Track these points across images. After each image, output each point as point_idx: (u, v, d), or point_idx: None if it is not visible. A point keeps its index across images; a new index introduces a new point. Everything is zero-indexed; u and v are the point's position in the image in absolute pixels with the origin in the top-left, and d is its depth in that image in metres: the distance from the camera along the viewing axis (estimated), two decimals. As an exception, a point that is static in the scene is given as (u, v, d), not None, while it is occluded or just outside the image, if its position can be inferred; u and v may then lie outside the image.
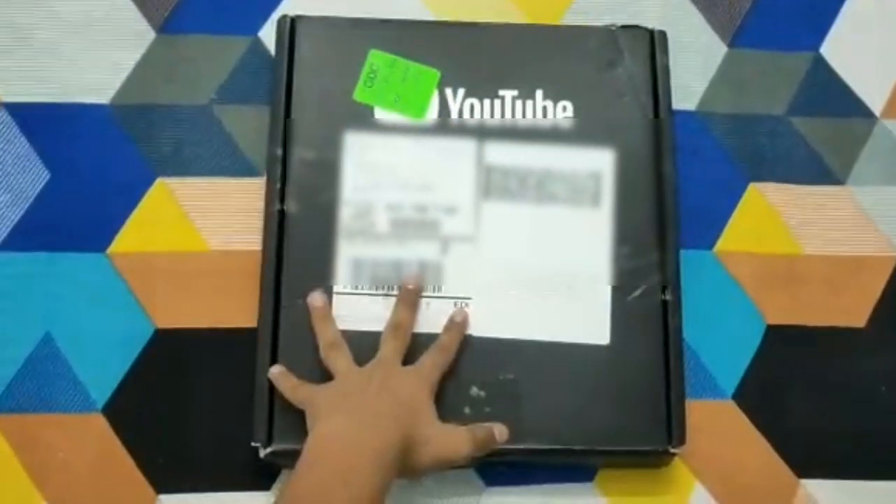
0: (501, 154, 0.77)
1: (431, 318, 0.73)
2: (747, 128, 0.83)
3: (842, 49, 0.86)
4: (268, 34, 0.82)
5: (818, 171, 0.82)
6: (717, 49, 0.85)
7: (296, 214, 0.74)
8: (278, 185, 0.75)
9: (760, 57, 0.85)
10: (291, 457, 0.65)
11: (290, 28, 0.79)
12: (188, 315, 0.75)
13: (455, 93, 0.78)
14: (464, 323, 0.73)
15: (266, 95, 0.79)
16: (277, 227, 0.74)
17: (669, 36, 0.80)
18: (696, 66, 0.84)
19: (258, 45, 0.82)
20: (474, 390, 0.72)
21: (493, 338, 0.73)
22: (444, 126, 0.77)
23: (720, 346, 0.77)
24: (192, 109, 0.80)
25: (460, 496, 0.73)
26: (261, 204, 0.75)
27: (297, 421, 0.68)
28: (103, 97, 0.80)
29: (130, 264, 0.76)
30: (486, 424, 0.69)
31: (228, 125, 0.80)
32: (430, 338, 0.72)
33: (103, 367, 0.74)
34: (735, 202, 0.81)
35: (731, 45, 0.85)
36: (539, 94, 0.78)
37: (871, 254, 0.81)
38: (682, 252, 0.76)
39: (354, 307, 0.73)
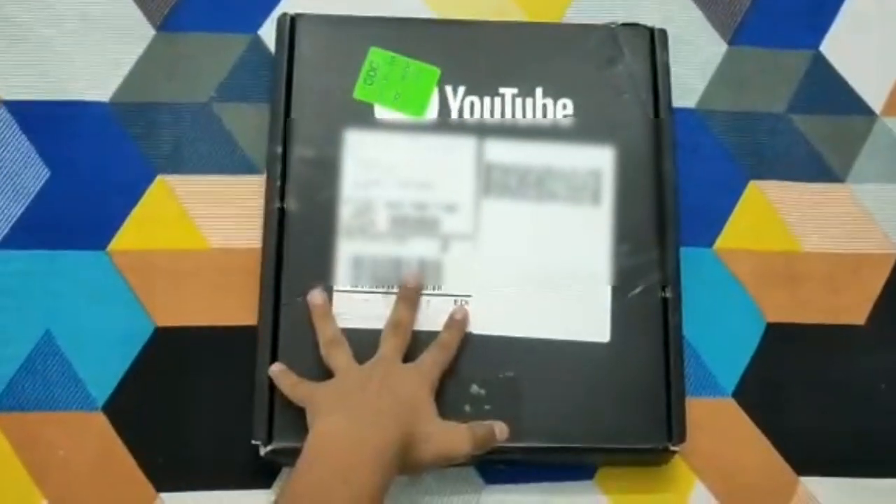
0: (501, 152, 0.77)
1: (431, 316, 0.73)
2: (747, 125, 0.83)
3: (842, 47, 0.85)
4: (268, 32, 0.82)
5: (818, 168, 0.83)
6: (717, 47, 0.85)
7: (296, 212, 0.74)
8: (278, 183, 0.75)
9: (760, 55, 0.85)
10: (292, 455, 0.65)
11: (290, 26, 0.79)
12: (188, 313, 0.76)
13: (455, 91, 0.78)
14: (464, 321, 0.73)
15: (266, 93, 0.79)
16: (277, 224, 0.74)
17: (669, 34, 0.80)
18: (696, 64, 0.84)
19: (258, 42, 0.82)
20: (474, 388, 0.72)
21: (494, 335, 0.73)
22: (444, 124, 0.77)
23: (720, 343, 0.77)
24: (192, 107, 0.80)
25: (460, 494, 0.73)
26: (261, 202, 0.75)
27: (298, 419, 0.68)
28: (103, 95, 0.80)
29: (130, 262, 0.76)
30: (487, 422, 0.69)
31: (228, 123, 0.80)
32: (431, 336, 0.72)
33: (103, 365, 0.74)
34: (735, 200, 0.81)
35: (731, 42, 0.85)
36: (539, 91, 0.78)
37: (871, 251, 0.81)
38: (682, 250, 0.76)
39: (354, 305, 0.73)
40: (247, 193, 0.78)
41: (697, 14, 0.86)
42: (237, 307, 0.75)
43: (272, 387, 0.71)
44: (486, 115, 0.77)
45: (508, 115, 0.78)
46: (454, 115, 0.77)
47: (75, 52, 0.81)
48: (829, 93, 0.85)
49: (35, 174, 0.78)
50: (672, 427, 0.72)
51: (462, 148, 0.77)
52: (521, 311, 0.74)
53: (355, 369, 0.69)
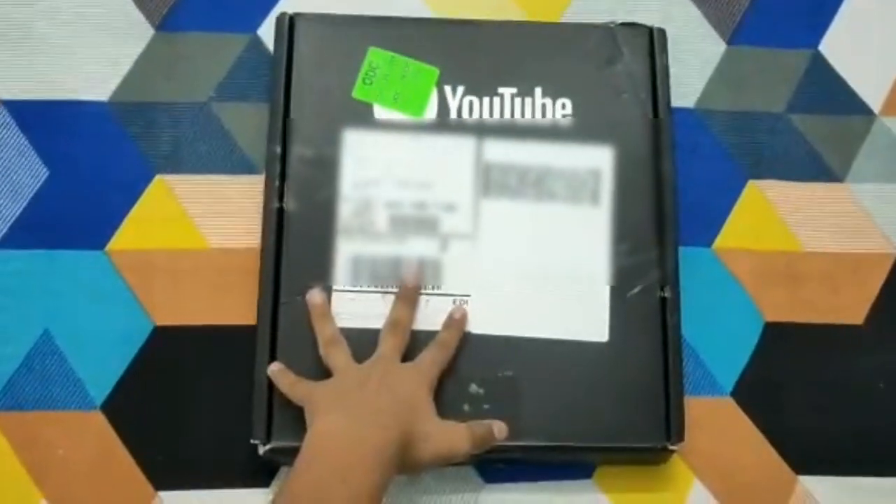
0: (500, 151, 0.77)
1: (430, 315, 0.73)
2: (746, 125, 0.83)
3: (841, 46, 0.86)
4: (267, 32, 0.82)
5: (817, 168, 0.83)
6: (716, 46, 0.85)
7: (295, 212, 0.74)
8: (277, 183, 0.75)
9: (759, 54, 0.85)
10: (290, 454, 0.65)
11: (289, 26, 0.79)
12: (187, 312, 0.76)
13: (454, 90, 0.78)
14: (463, 320, 0.73)
15: (265, 93, 0.79)
16: (276, 224, 0.74)
17: (668, 33, 0.80)
18: (695, 64, 0.84)
19: (257, 42, 0.82)
20: (473, 387, 0.72)
21: (493, 335, 0.73)
22: (444, 124, 0.77)
23: (719, 343, 0.77)
24: (190, 107, 0.80)
25: (459, 493, 0.73)
26: (260, 201, 0.75)
27: (296, 418, 0.68)
28: (102, 94, 0.80)
29: (129, 261, 0.76)
30: (486, 422, 0.69)
31: (227, 123, 0.80)
32: (430, 335, 0.72)
33: (102, 364, 0.74)
34: (734, 199, 0.81)
35: (729, 42, 0.85)
36: (538, 91, 0.78)
37: (870, 251, 0.81)
38: (681, 249, 0.76)
39: (353, 304, 0.73)
40: (246, 193, 0.78)
41: (696, 13, 0.86)
42: (236, 307, 0.75)
43: (271, 386, 0.71)
44: (486, 114, 0.78)
45: (507, 114, 0.78)
46: (453, 114, 0.77)
47: (74, 51, 0.81)
48: (828, 92, 0.85)
49: (34, 173, 0.78)
50: (671, 426, 0.72)
51: (461, 147, 0.77)
52: (520, 311, 0.74)
53: (354, 368, 0.69)
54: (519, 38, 0.80)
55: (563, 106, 0.78)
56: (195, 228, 0.78)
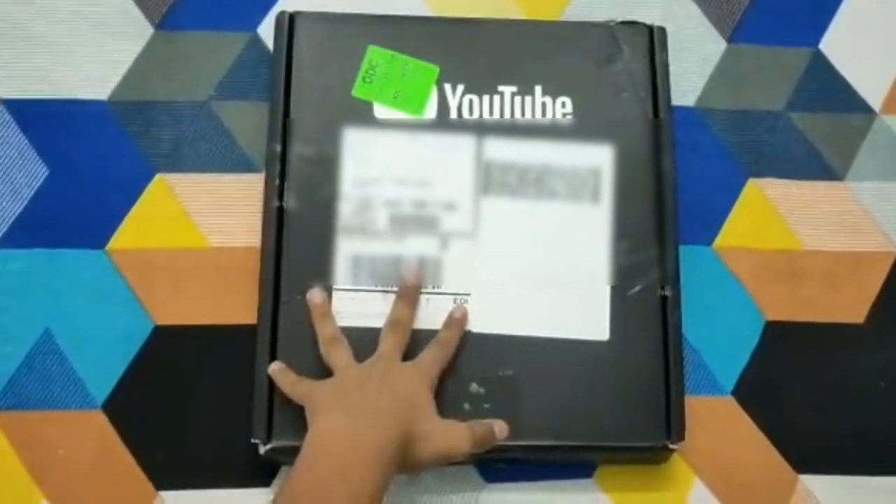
0: (501, 150, 0.77)
1: (431, 314, 0.73)
2: (746, 123, 0.83)
3: (841, 45, 0.85)
4: (266, 30, 0.82)
5: (817, 166, 0.83)
6: (716, 45, 0.85)
7: (295, 211, 0.74)
8: (277, 182, 0.75)
9: (759, 52, 0.85)
10: (291, 453, 0.65)
11: (289, 24, 0.78)
12: (187, 312, 0.76)
13: (454, 89, 0.78)
14: (463, 319, 0.73)
15: (265, 92, 0.79)
16: (277, 223, 0.74)
17: (668, 32, 0.80)
18: (695, 62, 0.84)
19: (257, 41, 0.82)
20: (474, 386, 0.72)
21: (493, 334, 0.73)
22: (444, 122, 0.77)
23: (719, 342, 0.77)
24: (190, 106, 0.80)
25: (460, 493, 0.73)
26: (260, 200, 0.75)
27: (297, 417, 0.68)
28: (102, 93, 0.80)
29: (129, 261, 0.76)
30: (486, 421, 0.69)
31: (227, 121, 0.80)
32: (430, 334, 0.72)
33: (103, 363, 0.74)
34: (734, 198, 0.81)
35: (730, 40, 0.85)
36: (538, 90, 0.78)
37: (870, 249, 0.81)
38: (682, 248, 0.76)
39: (354, 303, 0.73)
40: (246, 192, 0.78)
41: (696, 12, 0.86)
42: (236, 306, 0.75)
43: (272, 385, 0.71)
44: (486, 113, 0.77)
45: (507, 113, 0.78)
46: (453, 113, 0.77)
47: (74, 50, 0.81)
48: (828, 91, 0.85)
49: (34, 173, 0.78)
50: (671, 425, 0.72)
51: (461, 146, 0.77)
52: (521, 310, 0.74)
53: (355, 367, 0.69)
54: (519, 36, 0.80)
55: (563, 104, 0.78)
56: (195, 227, 0.78)
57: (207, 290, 0.76)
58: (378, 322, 0.72)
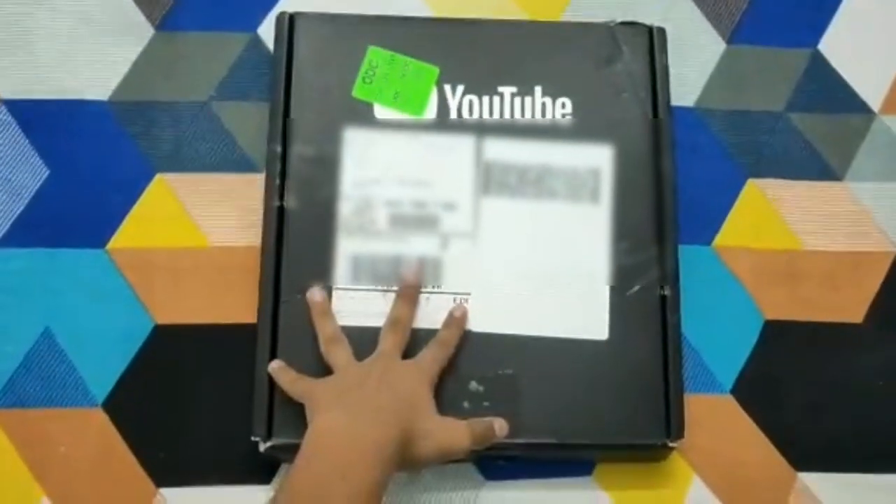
0: (500, 150, 0.77)
1: (431, 313, 0.73)
2: (746, 124, 0.83)
3: (840, 45, 0.86)
4: (267, 31, 0.82)
5: (816, 167, 0.83)
6: (715, 45, 0.85)
7: (295, 210, 0.75)
8: (278, 182, 0.75)
9: (759, 53, 0.85)
10: (291, 451, 0.65)
11: (289, 25, 0.79)
12: (188, 311, 0.76)
13: (454, 89, 0.78)
14: (463, 318, 0.73)
15: (265, 92, 0.79)
16: (277, 223, 0.74)
17: (668, 32, 0.80)
18: (694, 63, 0.84)
19: (257, 41, 0.82)
20: (473, 385, 0.72)
21: (492, 333, 0.73)
22: (443, 122, 0.77)
23: (718, 341, 0.77)
24: (191, 106, 0.81)
25: (459, 490, 0.73)
26: (260, 200, 0.75)
27: (297, 415, 0.68)
28: (102, 94, 0.80)
29: (130, 260, 0.77)
30: (486, 419, 0.69)
31: (227, 122, 0.80)
32: (430, 333, 0.72)
33: (103, 362, 0.74)
34: (733, 198, 0.81)
35: (729, 41, 0.85)
36: (538, 90, 0.78)
37: (869, 249, 0.81)
38: (681, 248, 0.76)
39: (354, 303, 0.73)
40: (246, 192, 0.78)
41: (696, 13, 0.86)
42: (236, 305, 0.75)
43: (272, 384, 0.71)
44: (486, 113, 0.78)
45: (507, 113, 0.78)
46: (453, 113, 0.78)
47: (74, 51, 0.81)
48: (827, 91, 0.85)
49: (34, 173, 0.78)
50: (670, 423, 0.72)
51: (461, 146, 0.77)
52: (521, 309, 0.74)
53: (354, 366, 0.70)
54: (519, 37, 0.80)
55: (563, 105, 0.78)
56: (195, 227, 0.78)
57: (207, 289, 0.76)
58: (378, 321, 0.72)
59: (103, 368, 0.74)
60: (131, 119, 0.80)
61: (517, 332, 0.73)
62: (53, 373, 0.74)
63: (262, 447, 0.70)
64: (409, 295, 0.73)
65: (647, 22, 0.81)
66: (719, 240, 0.80)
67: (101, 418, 0.73)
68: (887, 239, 0.81)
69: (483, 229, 0.75)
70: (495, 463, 0.73)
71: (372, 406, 0.66)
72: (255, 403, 0.71)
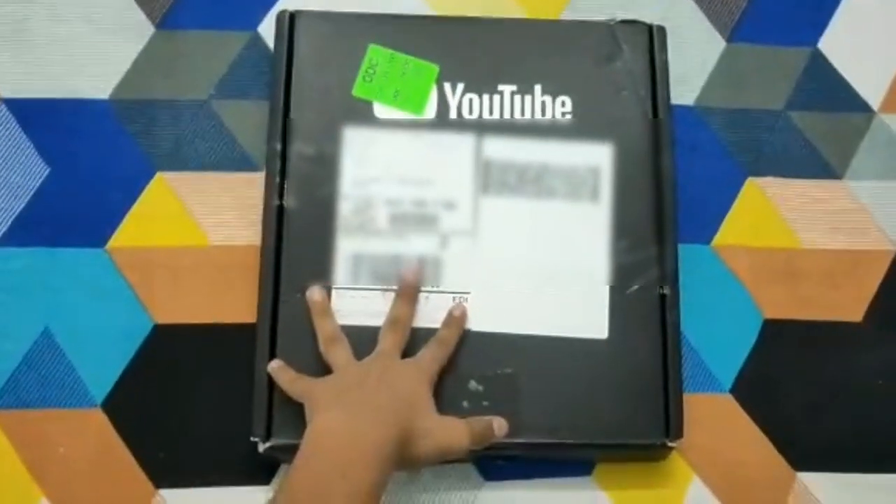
0: (500, 149, 0.77)
1: (430, 312, 0.73)
2: (745, 122, 0.83)
3: (840, 44, 0.86)
4: (267, 29, 0.82)
5: (816, 165, 0.83)
6: (715, 43, 0.85)
7: (295, 209, 0.75)
8: (277, 180, 0.75)
9: (759, 51, 0.85)
10: (290, 451, 0.64)
11: (289, 23, 0.79)
12: (187, 310, 0.76)
13: (454, 87, 0.78)
14: (462, 317, 0.73)
15: (265, 90, 0.79)
16: (277, 221, 0.74)
17: (668, 30, 0.80)
18: (694, 61, 0.84)
19: (257, 40, 0.82)
20: (473, 384, 0.72)
21: (492, 332, 0.73)
22: (443, 121, 0.77)
23: (718, 340, 0.77)
24: (191, 104, 0.80)
25: (459, 491, 0.73)
26: (260, 199, 0.75)
27: (297, 415, 0.68)
28: (102, 92, 0.80)
29: (130, 259, 0.76)
30: (485, 418, 0.69)
31: (227, 120, 0.80)
32: (429, 332, 0.72)
33: (102, 362, 0.74)
34: (733, 196, 0.81)
35: (729, 39, 0.85)
36: (538, 88, 0.78)
37: (869, 248, 0.81)
38: (681, 246, 0.76)
39: (353, 302, 0.73)
40: (246, 190, 0.78)
41: (696, 11, 0.86)
42: (236, 304, 0.75)
43: (271, 384, 0.71)
44: (485, 112, 0.78)
45: (507, 111, 0.78)
46: (453, 112, 0.77)
47: (75, 49, 0.81)
48: (827, 90, 0.85)
49: (34, 171, 0.78)
50: (670, 423, 0.72)
51: (461, 145, 0.77)
52: (520, 308, 0.74)
53: (354, 365, 0.70)
54: (519, 35, 0.80)
55: (563, 103, 0.78)
56: (195, 226, 0.78)
57: (207, 288, 0.76)
58: (378, 321, 0.72)
59: (102, 368, 0.74)
60: (131, 117, 0.80)
61: (517, 331, 0.73)
62: (52, 373, 0.74)
63: (262, 447, 0.70)
64: (408, 294, 0.73)
65: (647, 20, 0.80)
66: (719, 238, 0.80)
67: (100, 418, 0.73)
68: (887, 238, 0.81)
69: (483, 228, 0.75)
70: (494, 463, 0.74)
71: (371, 405, 0.66)
72: (254, 403, 0.71)
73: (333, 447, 0.63)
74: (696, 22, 0.85)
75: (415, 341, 0.72)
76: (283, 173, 0.75)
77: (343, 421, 0.65)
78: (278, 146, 0.75)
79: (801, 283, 0.79)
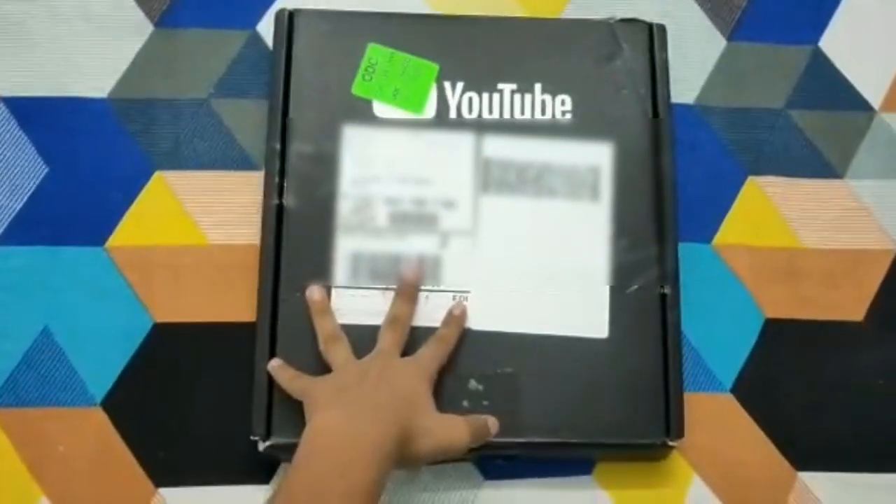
0: (500, 148, 0.77)
1: (430, 311, 0.73)
2: (746, 121, 0.83)
3: (841, 42, 0.85)
4: (266, 28, 0.82)
5: (816, 164, 0.83)
6: (716, 42, 0.85)
7: (294, 208, 0.74)
8: (277, 179, 0.75)
9: (759, 50, 0.85)
10: (290, 450, 0.64)
11: (289, 22, 0.78)
12: (187, 309, 0.76)
13: (454, 86, 0.78)
14: (462, 316, 0.73)
15: (264, 89, 0.79)
16: (276, 220, 0.74)
17: (668, 29, 0.80)
18: (694, 60, 0.84)
19: (256, 38, 0.82)
20: (473, 384, 0.72)
21: (492, 331, 0.73)
22: (443, 120, 0.77)
23: (718, 339, 0.77)
24: (190, 103, 0.80)
25: (459, 490, 0.73)
26: (259, 198, 0.75)
27: (296, 414, 0.68)
28: (101, 91, 0.80)
29: (129, 258, 0.76)
30: (481, 416, 0.70)
31: (227, 119, 0.80)
32: (429, 332, 0.72)
33: (102, 361, 0.74)
34: (733, 196, 0.81)
35: (730, 38, 0.85)
36: (538, 87, 0.78)
37: (869, 247, 0.81)
38: (681, 246, 0.76)
39: (353, 301, 0.73)
40: (245, 189, 0.78)
41: (696, 9, 0.86)
42: (236, 303, 0.75)
43: (271, 383, 0.71)
44: (485, 110, 0.77)
45: (507, 110, 0.78)
46: (453, 111, 0.77)
47: (74, 48, 0.81)
48: (828, 89, 0.85)
49: (33, 170, 0.78)
50: (670, 422, 0.72)
51: (461, 144, 0.77)
52: (520, 307, 0.74)
53: (353, 364, 0.69)
54: (519, 34, 0.80)
55: (563, 102, 0.78)
56: (195, 225, 0.78)
57: (207, 287, 0.76)
58: (377, 320, 0.72)
59: (102, 367, 0.74)
60: (130, 116, 0.80)
61: (517, 330, 0.73)
62: (52, 372, 0.74)
63: (262, 446, 0.70)
64: (408, 293, 0.73)
65: (647, 19, 0.80)
66: (719, 238, 0.80)
67: (99, 417, 0.73)
68: (887, 237, 0.81)
69: (482, 227, 0.75)
70: (495, 462, 0.73)
71: (371, 404, 0.66)
72: (254, 402, 0.71)
73: (332, 446, 0.63)
74: (696, 21, 0.85)
75: (414, 340, 0.72)
76: (282, 172, 0.75)
77: (342, 419, 0.65)
78: (277, 145, 0.75)
79: (802, 283, 0.79)
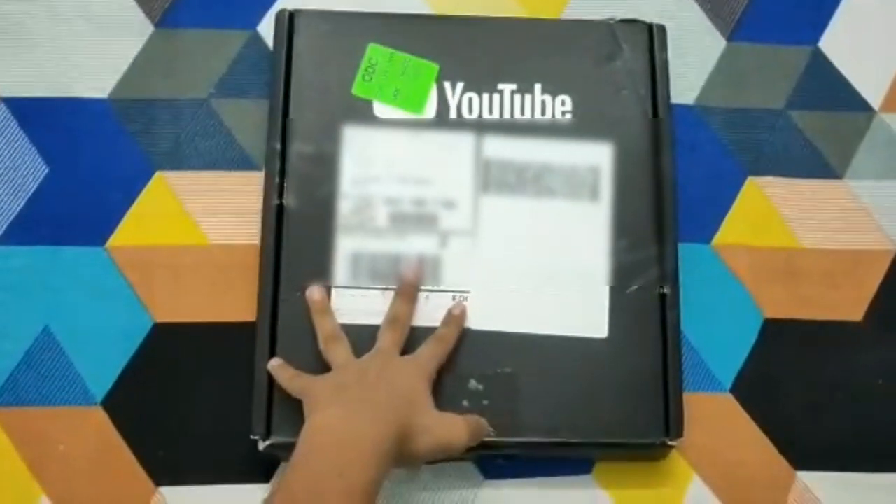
0: (500, 148, 0.77)
1: (430, 311, 0.73)
2: (746, 121, 0.83)
3: (840, 43, 0.85)
4: (266, 28, 0.82)
5: (816, 164, 0.83)
6: (715, 43, 0.85)
7: (294, 208, 0.75)
8: (277, 180, 0.75)
9: (759, 51, 0.85)
10: (290, 449, 0.64)
11: (289, 22, 0.79)
12: (187, 309, 0.76)
13: (454, 86, 0.78)
14: (462, 316, 0.73)
15: (264, 89, 0.79)
16: (276, 221, 0.74)
17: (668, 30, 0.80)
18: (694, 60, 0.84)
19: (257, 39, 0.82)
20: (472, 383, 0.72)
21: (492, 331, 0.73)
22: (443, 120, 0.77)
23: (718, 339, 0.77)
24: (190, 103, 0.80)
25: (459, 489, 0.73)
26: (259, 198, 0.75)
27: (296, 414, 0.68)
28: (102, 91, 0.80)
29: (129, 258, 0.76)
30: (477, 416, 0.70)
31: (227, 119, 0.80)
32: (429, 331, 0.72)
33: (102, 360, 0.74)
34: (733, 196, 0.81)
35: (730, 38, 0.85)
36: (538, 87, 0.78)
37: (869, 248, 0.81)
38: (681, 246, 0.76)
39: (353, 301, 0.73)
40: (246, 189, 0.78)
41: (696, 10, 0.86)
42: (236, 303, 0.75)
43: (271, 382, 0.71)
44: (485, 111, 0.78)
45: (507, 111, 0.78)
46: (453, 111, 0.77)
47: (74, 48, 0.81)
48: (827, 89, 0.85)
49: (34, 170, 0.78)
50: (670, 422, 0.72)
51: (461, 144, 0.77)
52: (520, 307, 0.74)
53: (353, 363, 0.70)
54: (519, 34, 0.80)
55: (563, 102, 0.78)
56: (195, 225, 0.78)
57: (207, 287, 0.76)
58: (377, 319, 0.72)
59: (102, 367, 0.74)
60: (131, 116, 0.80)
61: (516, 330, 0.73)
62: (53, 371, 0.74)
63: (261, 446, 0.70)
64: (408, 293, 0.73)
65: (647, 19, 0.80)
66: (719, 238, 0.80)
67: (100, 417, 0.73)
68: (887, 237, 0.81)
69: (482, 227, 0.75)
70: (494, 462, 0.74)
71: (370, 402, 0.66)
72: (254, 402, 0.71)
73: (331, 444, 0.63)
74: (696, 21, 0.85)
75: (414, 340, 0.72)
76: (282, 172, 0.75)
77: (341, 418, 0.65)
78: (278, 145, 0.75)
79: (801, 283, 0.79)
